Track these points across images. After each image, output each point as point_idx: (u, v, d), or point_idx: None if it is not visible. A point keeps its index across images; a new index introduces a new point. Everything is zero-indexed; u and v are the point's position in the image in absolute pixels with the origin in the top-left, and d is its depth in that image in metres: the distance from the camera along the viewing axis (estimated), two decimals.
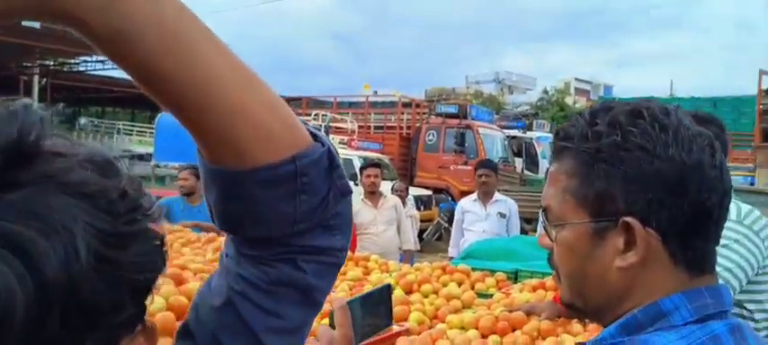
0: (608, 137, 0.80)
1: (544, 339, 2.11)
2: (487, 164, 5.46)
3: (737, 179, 13.33)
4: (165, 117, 10.53)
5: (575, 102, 38.61)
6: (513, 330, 2.19)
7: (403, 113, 17.45)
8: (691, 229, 0.80)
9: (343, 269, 1.17)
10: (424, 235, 11.83)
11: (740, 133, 17.65)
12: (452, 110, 16.13)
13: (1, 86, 19.06)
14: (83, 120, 28.14)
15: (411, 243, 5.53)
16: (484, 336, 2.18)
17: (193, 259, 2.60)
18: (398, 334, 2.06)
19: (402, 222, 5.49)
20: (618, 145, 0.79)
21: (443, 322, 2.39)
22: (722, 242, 1.86)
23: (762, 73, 10.54)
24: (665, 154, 0.78)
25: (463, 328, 2.25)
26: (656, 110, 0.82)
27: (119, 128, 26.19)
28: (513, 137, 17.60)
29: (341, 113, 18.20)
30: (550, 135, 18.71)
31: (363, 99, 18.70)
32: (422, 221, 9.83)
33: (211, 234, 3.40)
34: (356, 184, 12.50)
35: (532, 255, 3.58)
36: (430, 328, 2.34)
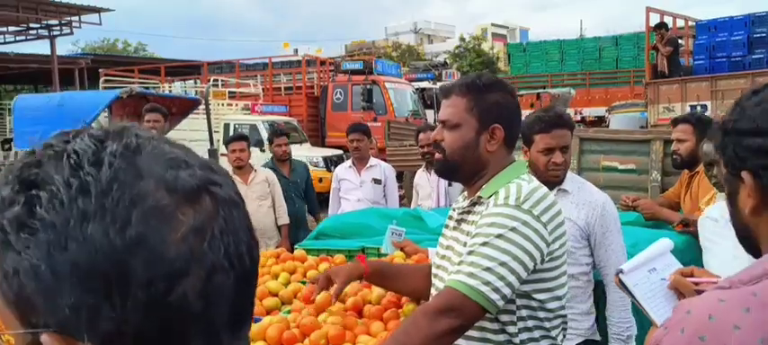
0: (11, 207, 0.52)
1: None
2: (358, 128, 5.16)
3: (635, 116, 13.69)
4: (23, 99, 9.58)
5: (492, 48, 38.97)
6: (304, 337, 1.93)
7: (310, 73, 16.93)
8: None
9: None
10: None
11: (640, 69, 18.13)
12: (357, 66, 15.72)
13: None
14: None
15: (286, 217, 5.19)
16: None
17: None
18: None
19: (276, 196, 5.15)
20: (21, 220, 0.51)
21: None
22: (496, 231, 1.62)
23: (649, 9, 10.59)
24: (80, 234, 0.50)
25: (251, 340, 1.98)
26: (87, 150, 0.53)
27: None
28: (424, 89, 17.42)
29: (247, 77, 17.52)
30: None
31: (267, 60, 17.96)
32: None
33: None
34: (262, 151, 12.17)
35: (385, 230, 3.32)
36: None
